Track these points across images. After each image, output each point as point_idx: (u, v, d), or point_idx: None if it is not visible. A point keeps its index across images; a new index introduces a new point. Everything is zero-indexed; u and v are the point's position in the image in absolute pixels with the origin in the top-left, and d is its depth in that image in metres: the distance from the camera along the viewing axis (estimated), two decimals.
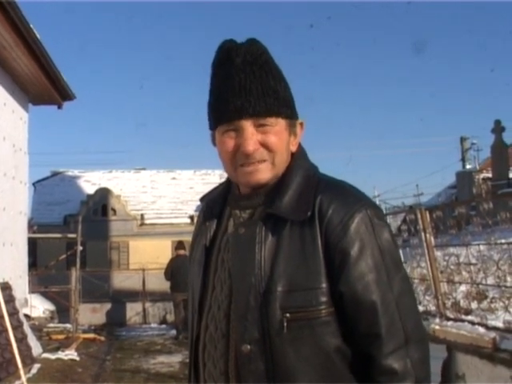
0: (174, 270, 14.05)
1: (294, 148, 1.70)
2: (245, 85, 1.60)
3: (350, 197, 1.62)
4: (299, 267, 1.55)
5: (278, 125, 1.63)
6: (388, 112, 75.24)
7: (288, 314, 1.53)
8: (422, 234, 7.23)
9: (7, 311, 8.84)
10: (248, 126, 1.61)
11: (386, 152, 73.60)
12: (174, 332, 14.65)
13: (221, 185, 1.86)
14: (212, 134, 1.74)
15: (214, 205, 1.81)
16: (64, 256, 21.73)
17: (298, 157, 1.72)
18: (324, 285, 1.54)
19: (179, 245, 14.78)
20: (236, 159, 1.64)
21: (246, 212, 1.69)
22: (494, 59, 74.05)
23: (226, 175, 1.78)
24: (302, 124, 1.73)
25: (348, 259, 1.54)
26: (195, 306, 1.76)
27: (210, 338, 1.68)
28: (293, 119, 1.69)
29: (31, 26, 9.48)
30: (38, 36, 9.87)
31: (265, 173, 1.64)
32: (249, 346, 1.56)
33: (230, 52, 1.64)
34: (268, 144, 1.62)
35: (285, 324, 1.53)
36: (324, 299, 1.54)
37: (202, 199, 1.90)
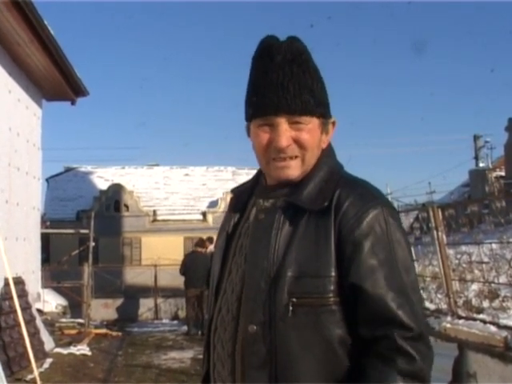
0: (187, 266, 14.08)
1: (324, 145, 1.75)
2: (282, 82, 1.65)
3: (367, 193, 1.65)
4: (311, 255, 1.58)
5: (311, 123, 1.68)
6: (400, 110, 74.85)
7: (295, 299, 1.57)
8: (435, 231, 7.22)
9: (20, 306, 8.90)
10: (283, 122, 1.66)
11: (398, 150, 73.37)
12: (185, 328, 14.69)
13: (252, 178, 1.92)
14: (247, 126, 1.79)
15: (242, 195, 1.87)
16: (76, 251, 21.89)
17: (326, 154, 1.76)
18: (333, 274, 1.57)
19: (199, 242, 14.74)
20: (269, 153, 1.70)
21: (269, 201, 1.73)
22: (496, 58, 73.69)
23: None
24: (334, 123, 1.78)
25: (359, 252, 1.56)
26: (212, 290, 1.82)
27: (221, 320, 1.73)
28: (326, 118, 1.73)
29: (45, 22, 9.53)
30: (51, 33, 9.92)
31: (295, 169, 1.69)
32: (255, 327, 1.60)
33: (271, 48, 1.69)
34: (301, 141, 1.67)
35: (290, 308, 1.56)
36: (331, 288, 1.56)
37: (232, 190, 1.94)
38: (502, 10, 72.93)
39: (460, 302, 7.23)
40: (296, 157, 1.68)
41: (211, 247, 13.23)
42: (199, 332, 13.47)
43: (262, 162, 1.74)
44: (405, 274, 1.59)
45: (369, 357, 1.53)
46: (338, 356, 1.56)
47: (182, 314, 16.99)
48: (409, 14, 74.03)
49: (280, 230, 1.64)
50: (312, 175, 1.69)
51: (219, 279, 1.79)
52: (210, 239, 14.31)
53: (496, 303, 6.99)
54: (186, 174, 35.78)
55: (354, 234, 1.57)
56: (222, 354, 1.71)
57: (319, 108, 1.69)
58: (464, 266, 8.09)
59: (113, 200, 32.00)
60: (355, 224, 1.58)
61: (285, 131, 1.65)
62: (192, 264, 13.84)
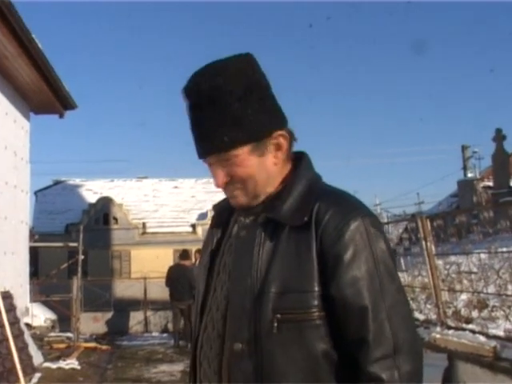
0: (171, 279, 14.07)
1: (277, 161, 1.70)
2: (197, 127, 1.67)
3: (347, 205, 1.64)
4: (293, 270, 1.58)
5: (241, 154, 1.65)
6: (387, 117, 75.19)
7: (279, 315, 1.56)
8: (423, 242, 7.24)
9: (8, 320, 8.85)
10: (214, 162, 1.69)
11: (386, 160, 73.66)
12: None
13: None
14: None
15: (223, 212, 1.87)
16: (65, 265, 21.71)
17: (303, 167, 1.75)
18: (316, 288, 1.56)
19: (183, 253, 14.72)
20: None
21: (250, 218, 1.73)
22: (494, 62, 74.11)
23: None
24: (282, 135, 1.70)
25: (341, 264, 1.56)
26: (198, 309, 1.82)
27: (207, 338, 1.73)
28: (259, 140, 1.67)
29: (33, 36, 9.52)
30: (39, 46, 9.92)
31: (240, 198, 1.71)
32: (240, 345, 1.60)
33: (184, 92, 1.69)
34: (234, 176, 1.68)
35: (275, 324, 1.56)
36: (315, 303, 1.56)
37: (214, 207, 1.95)
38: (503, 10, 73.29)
39: (449, 312, 7.24)
40: (235, 190, 1.70)
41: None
42: (188, 344, 13.43)
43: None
44: (388, 281, 1.58)
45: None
46: (324, 370, 1.56)
47: (171, 326, 16.93)
48: (409, 14, 74.44)
49: (262, 246, 1.64)
50: (290, 189, 1.68)
51: (204, 297, 1.79)
52: (199, 251, 14.27)
53: (485, 313, 7.02)
54: (175, 187, 35.80)
55: (335, 246, 1.57)
56: (208, 372, 1.70)
57: (243, 136, 1.64)
58: (453, 276, 8.12)
59: (102, 213, 31.95)
60: (336, 237, 1.57)
61: (218, 172, 1.68)
62: (176, 277, 13.82)
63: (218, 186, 1.70)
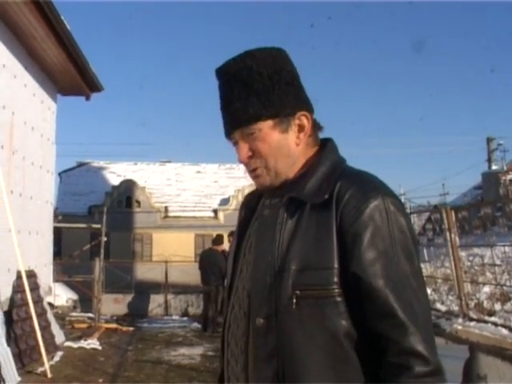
0: (201, 263, 14.15)
1: (299, 142, 1.75)
2: (225, 104, 1.76)
3: (368, 184, 1.66)
4: (313, 248, 1.60)
5: (263, 129, 1.72)
6: (411, 108, 74.66)
7: (298, 292, 1.58)
8: (447, 233, 7.19)
9: (32, 299, 8.96)
10: (238, 138, 1.75)
11: (411, 150, 73.15)
12: (195, 324, 14.74)
13: None
14: None
15: (252, 198, 1.92)
16: (88, 246, 21.96)
17: (327, 150, 1.78)
18: (336, 265, 1.58)
19: (216, 238, 14.67)
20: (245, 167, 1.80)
21: (275, 200, 1.76)
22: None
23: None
24: (305, 116, 1.76)
25: (360, 242, 1.57)
26: (227, 289, 1.86)
27: (234, 317, 1.76)
28: (282, 116, 1.73)
29: (62, 17, 9.57)
30: (68, 28, 9.97)
31: (263, 178, 1.76)
32: (262, 320, 1.63)
33: (217, 72, 1.79)
34: (255, 151, 1.73)
35: (294, 300, 1.58)
36: (334, 279, 1.57)
37: (245, 196, 2.01)
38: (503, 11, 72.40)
39: (471, 304, 7.20)
40: (258, 167, 1.74)
41: None
42: (207, 329, 13.52)
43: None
44: (406, 262, 1.58)
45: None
46: (344, 348, 1.57)
47: (192, 310, 17.04)
48: (409, 14, 73.76)
49: (284, 224, 1.67)
50: (314, 170, 1.72)
51: (232, 278, 1.83)
52: (232, 234, 14.26)
53: (508, 306, 6.97)
54: (198, 171, 35.86)
55: (354, 225, 1.58)
56: (235, 351, 1.73)
57: (267, 110, 1.71)
58: (476, 268, 8.07)
59: (124, 196, 32.13)
60: (356, 215, 1.58)
61: (241, 147, 1.74)
62: (206, 261, 13.90)
63: (240, 160, 1.75)
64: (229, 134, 1.76)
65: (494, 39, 78.41)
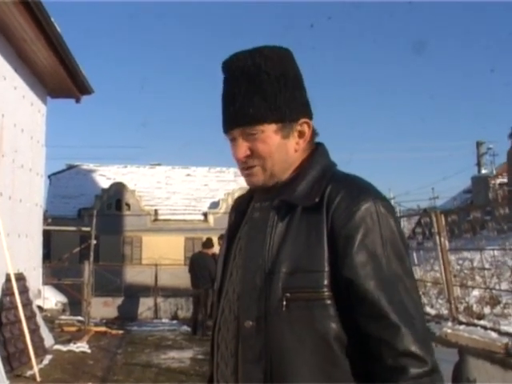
0: (191, 266, 14.14)
1: (298, 148, 1.76)
2: (230, 99, 1.74)
3: (359, 188, 1.66)
4: (304, 250, 1.60)
5: (266, 131, 1.71)
6: (402, 114, 74.90)
7: (288, 294, 1.58)
8: (437, 237, 7.21)
9: (21, 302, 8.93)
10: (238, 135, 1.73)
11: (401, 155, 73.38)
12: (184, 328, 14.72)
13: None
14: None
15: (242, 201, 1.92)
16: (78, 249, 21.91)
17: (318, 154, 1.79)
18: (326, 268, 1.58)
19: (206, 242, 14.63)
20: (238, 164, 1.78)
21: (265, 203, 1.76)
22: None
23: (240, 173, 1.86)
24: (307, 123, 1.77)
25: (351, 245, 1.57)
26: (216, 293, 1.86)
27: (224, 320, 1.76)
28: (286, 122, 1.73)
29: (52, 20, 9.55)
30: (58, 30, 9.94)
31: (257, 177, 1.74)
32: (251, 322, 1.62)
33: (224, 65, 1.77)
34: (255, 151, 1.72)
35: (284, 303, 1.58)
36: (325, 282, 1.57)
37: (235, 199, 2.01)
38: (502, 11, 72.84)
39: (461, 307, 7.23)
40: (254, 166, 1.73)
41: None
42: (197, 332, 13.51)
43: (240, 171, 1.82)
44: (398, 263, 1.59)
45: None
46: (334, 350, 1.56)
47: (181, 313, 17.02)
48: (409, 15, 74.10)
49: (274, 227, 1.67)
50: (305, 174, 1.72)
51: (222, 281, 1.83)
52: (222, 237, 14.22)
53: (497, 310, 7.00)
54: (188, 175, 35.81)
55: (345, 227, 1.58)
56: (225, 354, 1.73)
57: (272, 114, 1.71)
58: (466, 271, 8.10)
59: (114, 198, 32.00)
60: (347, 218, 1.59)
61: (240, 144, 1.73)
62: (196, 264, 13.89)
63: (237, 158, 1.74)
64: (229, 130, 1.75)
65: (494, 39, 78.69)
